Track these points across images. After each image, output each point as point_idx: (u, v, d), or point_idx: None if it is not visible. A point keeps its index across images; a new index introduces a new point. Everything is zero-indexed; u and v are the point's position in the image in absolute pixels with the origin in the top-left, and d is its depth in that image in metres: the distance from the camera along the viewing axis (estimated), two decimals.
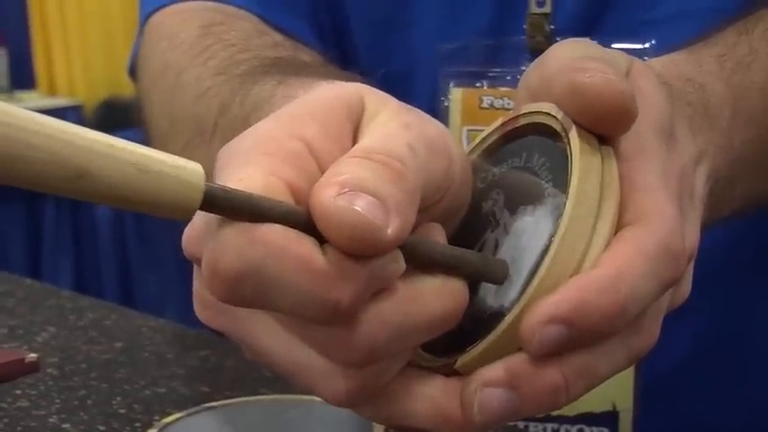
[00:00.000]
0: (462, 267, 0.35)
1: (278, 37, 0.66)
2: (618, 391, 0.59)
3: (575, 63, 0.36)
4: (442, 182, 0.36)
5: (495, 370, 0.34)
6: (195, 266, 0.37)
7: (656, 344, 0.67)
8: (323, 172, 0.33)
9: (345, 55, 0.72)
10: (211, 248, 0.32)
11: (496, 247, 0.38)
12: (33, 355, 0.61)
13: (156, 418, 0.59)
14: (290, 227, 0.31)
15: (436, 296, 0.34)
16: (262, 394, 0.59)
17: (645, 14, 0.66)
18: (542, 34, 0.60)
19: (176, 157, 0.30)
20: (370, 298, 0.33)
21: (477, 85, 0.60)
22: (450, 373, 0.36)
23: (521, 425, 0.59)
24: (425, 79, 0.64)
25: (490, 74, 0.59)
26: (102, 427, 0.60)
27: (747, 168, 0.49)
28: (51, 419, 0.61)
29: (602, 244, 0.35)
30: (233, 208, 0.31)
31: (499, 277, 0.36)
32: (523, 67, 0.39)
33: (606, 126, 0.36)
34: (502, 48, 0.62)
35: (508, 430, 0.58)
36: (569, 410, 0.59)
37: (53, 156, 0.28)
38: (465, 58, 0.62)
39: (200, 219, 0.35)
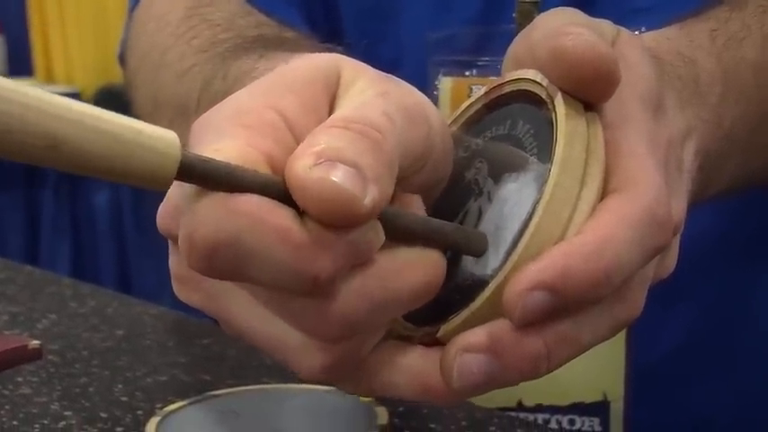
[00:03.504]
0: (440, 239, 0.35)
1: (262, 17, 0.66)
2: (609, 381, 0.59)
3: (558, 28, 0.36)
4: (421, 150, 0.35)
5: (476, 335, 0.34)
6: (171, 243, 0.36)
7: (648, 333, 0.68)
8: (299, 143, 0.33)
9: (336, 43, 0.72)
10: (188, 220, 0.31)
11: (480, 215, 0.37)
12: (36, 342, 0.61)
13: (158, 405, 0.59)
14: (268, 197, 0.31)
15: (414, 268, 0.33)
16: (264, 383, 0.59)
17: (634, 2, 0.66)
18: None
19: (153, 126, 0.30)
20: (348, 271, 0.32)
21: (467, 74, 0.60)
22: (431, 342, 0.35)
23: (512, 414, 0.59)
24: (414, 68, 0.64)
25: (479, 63, 0.59)
26: (103, 415, 0.60)
27: (737, 145, 0.49)
28: (53, 407, 0.61)
29: (587, 211, 0.34)
30: (210, 178, 0.31)
31: (478, 250, 0.36)
32: None
33: (589, 91, 0.36)
34: (491, 36, 0.62)
35: (501, 419, 0.58)
36: (560, 400, 0.59)
37: (26, 125, 0.28)
38: (454, 46, 0.62)
39: (175, 194, 0.35)
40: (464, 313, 0.35)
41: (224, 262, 0.31)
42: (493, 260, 0.35)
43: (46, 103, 0.28)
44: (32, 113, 0.28)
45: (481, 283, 0.35)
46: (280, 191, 0.31)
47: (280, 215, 0.31)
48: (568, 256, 0.33)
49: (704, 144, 0.44)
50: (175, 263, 0.37)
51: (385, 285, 0.33)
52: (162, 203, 0.36)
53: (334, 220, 0.31)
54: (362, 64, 0.36)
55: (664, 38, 0.48)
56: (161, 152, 0.30)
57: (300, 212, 0.31)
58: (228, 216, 0.31)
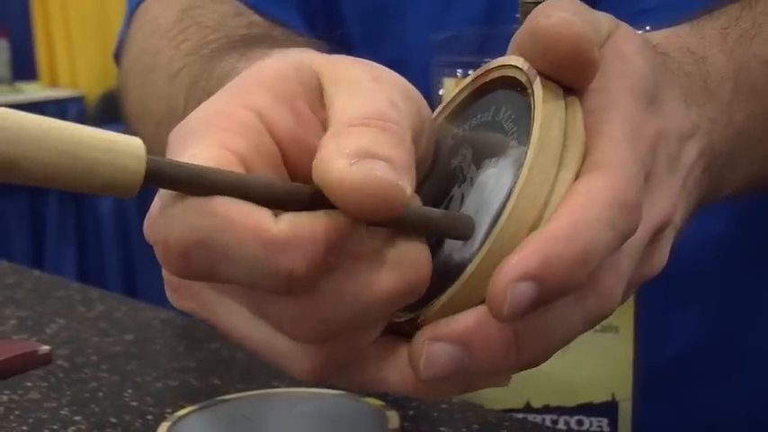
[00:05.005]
0: (426, 226, 0.35)
1: (255, 17, 0.66)
2: (617, 382, 0.59)
3: (540, 11, 0.36)
4: (419, 126, 0.36)
5: (445, 325, 0.34)
6: None
7: (658, 333, 0.67)
8: (275, 139, 0.33)
9: (338, 42, 0.72)
10: (162, 224, 0.32)
11: (462, 201, 0.38)
12: (46, 348, 0.61)
13: (168, 410, 0.60)
14: (241, 196, 0.31)
15: (395, 269, 0.33)
16: (273, 387, 0.59)
17: (638, 3, 0.66)
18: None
19: (115, 134, 0.30)
20: (329, 269, 0.32)
21: (470, 74, 0.60)
22: (415, 328, 0.35)
23: (518, 415, 0.59)
24: (419, 68, 0.64)
25: (483, 63, 0.59)
26: (113, 420, 0.60)
27: (750, 144, 0.49)
28: (63, 412, 0.61)
29: (564, 193, 0.34)
30: (179, 181, 0.31)
31: (464, 233, 0.36)
32: None
33: (567, 72, 0.36)
34: (494, 37, 0.61)
35: (512, 422, 0.58)
36: (568, 401, 0.59)
37: None
38: (458, 47, 0.62)
39: (159, 203, 0.35)
40: (442, 299, 0.35)
41: (198, 262, 0.31)
42: (472, 245, 0.36)
43: (2, 124, 0.28)
44: None
45: (460, 269, 0.35)
46: (254, 188, 0.31)
47: (252, 213, 0.31)
48: (546, 242, 0.33)
49: (711, 143, 0.44)
50: (166, 270, 0.37)
51: (362, 286, 0.33)
52: (147, 214, 0.36)
53: (377, 214, 0.31)
54: (332, 56, 0.37)
55: (674, 35, 0.47)
56: (124, 161, 0.30)
57: (274, 213, 0.31)
58: (200, 218, 0.31)
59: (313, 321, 0.33)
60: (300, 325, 0.33)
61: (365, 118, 0.33)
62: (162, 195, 0.32)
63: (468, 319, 0.34)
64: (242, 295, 0.34)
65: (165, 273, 0.37)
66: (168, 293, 0.37)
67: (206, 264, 0.31)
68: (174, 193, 0.32)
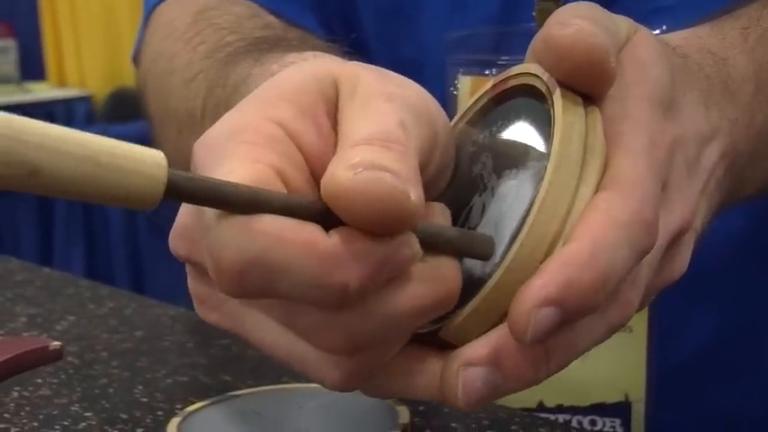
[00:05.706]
0: (443, 247, 0.35)
1: (270, 18, 0.66)
2: (630, 382, 0.59)
3: (555, 18, 0.36)
4: (429, 147, 0.35)
5: (476, 348, 0.34)
6: (187, 265, 0.37)
7: (674, 333, 0.67)
8: (302, 152, 0.33)
9: (354, 44, 0.72)
10: (211, 246, 0.31)
11: (483, 211, 0.37)
12: (57, 343, 0.61)
13: (179, 406, 0.59)
14: (262, 210, 0.31)
15: (424, 283, 0.33)
16: (284, 383, 0.59)
17: (654, 1, 0.66)
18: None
19: (136, 147, 0.30)
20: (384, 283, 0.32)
21: (486, 73, 0.60)
22: (434, 340, 0.35)
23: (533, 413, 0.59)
24: (436, 67, 0.64)
25: (499, 62, 0.59)
26: (124, 416, 0.60)
27: None
28: (73, 408, 0.61)
29: (583, 209, 0.34)
30: (197, 195, 0.31)
31: (482, 254, 0.36)
32: None
33: (582, 82, 0.36)
34: (510, 35, 0.61)
35: (523, 418, 0.58)
36: (581, 401, 0.59)
37: (2, 154, 0.27)
38: (473, 46, 0.62)
39: (185, 218, 0.35)
40: (462, 313, 0.35)
41: (253, 281, 0.31)
42: (493, 259, 0.35)
43: (24, 132, 0.28)
44: (11, 143, 0.28)
45: (481, 282, 0.35)
46: (271, 202, 0.31)
47: (302, 229, 0.31)
48: (567, 266, 0.33)
49: (733, 144, 0.44)
50: (193, 283, 0.37)
51: (391, 300, 0.33)
52: (173, 229, 0.36)
53: (383, 222, 0.31)
54: (355, 64, 0.36)
55: (694, 36, 0.47)
56: (146, 169, 0.30)
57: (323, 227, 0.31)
58: (252, 237, 0.31)
59: (342, 333, 0.33)
60: (329, 336, 0.33)
61: (368, 139, 0.32)
62: (198, 212, 0.32)
63: (497, 340, 0.34)
64: (270, 307, 0.34)
65: (191, 285, 0.37)
66: (195, 306, 0.37)
67: (260, 282, 0.31)
68: (216, 212, 0.31)
